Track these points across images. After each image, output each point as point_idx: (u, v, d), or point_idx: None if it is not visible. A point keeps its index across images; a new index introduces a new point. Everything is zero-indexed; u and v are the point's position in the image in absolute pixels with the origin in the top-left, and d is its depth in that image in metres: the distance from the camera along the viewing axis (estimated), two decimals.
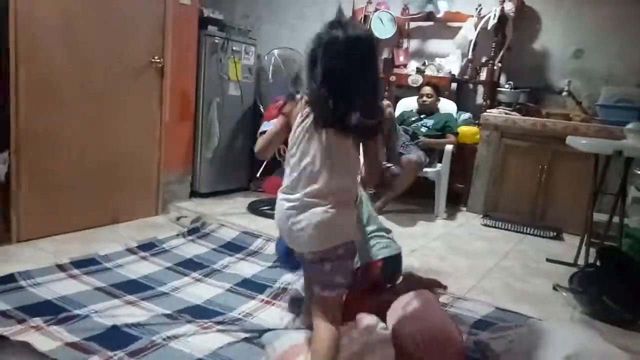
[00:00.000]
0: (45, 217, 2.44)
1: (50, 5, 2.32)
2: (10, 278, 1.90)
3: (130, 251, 2.31)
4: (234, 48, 3.52)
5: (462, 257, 2.66)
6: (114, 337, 1.57)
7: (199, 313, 1.80)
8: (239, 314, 1.84)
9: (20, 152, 2.29)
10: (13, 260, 2.12)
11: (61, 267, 2.05)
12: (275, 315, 1.85)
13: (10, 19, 2.16)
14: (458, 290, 2.17)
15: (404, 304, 1.70)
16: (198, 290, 2.01)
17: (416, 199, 3.63)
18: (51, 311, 1.69)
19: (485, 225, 3.35)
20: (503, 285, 2.30)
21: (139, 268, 2.16)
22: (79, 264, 2.10)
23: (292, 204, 1.34)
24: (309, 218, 1.30)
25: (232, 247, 2.51)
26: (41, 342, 1.50)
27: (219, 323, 1.73)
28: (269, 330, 1.70)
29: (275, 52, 3.17)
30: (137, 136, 2.86)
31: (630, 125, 2.45)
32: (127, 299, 1.86)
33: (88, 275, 2.03)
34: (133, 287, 1.96)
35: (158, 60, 2.88)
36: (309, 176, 1.31)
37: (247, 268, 2.28)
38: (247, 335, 1.66)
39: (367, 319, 1.75)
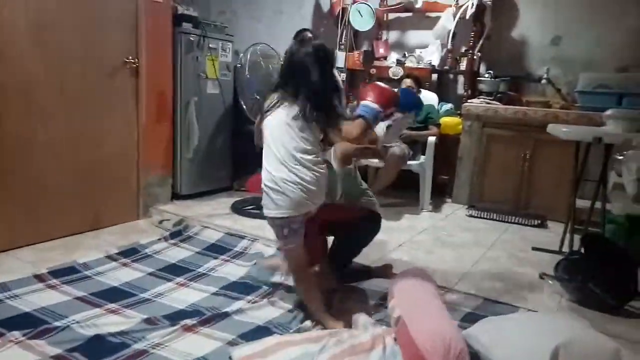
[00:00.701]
0: (24, 226, 2.36)
1: (19, 7, 2.24)
2: None
3: (111, 258, 2.25)
4: (210, 45, 3.44)
5: (449, 250, 2.66)
6: (98, 347, 1.53)
7: (184, 317, 1.75)
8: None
9: None
10: None
11: (39, 278, 1.98)
12: (265, 313, 1.83)
13: None
14: (446, 283, 2.16)
15: (414, 299, 1.69)
16: (182, 295, 1.97)
17: (401, 192, 3.62)
18: (30, 324, 1.63)
19: (471, 216, 3.36)
20: (490, 276, 2.30)
21: (120, 275, 2.10)
22: (58, 273, 2.04)
23: None
24: None
25: (216, 249, 2.46)
26: (22, 356, 1.46)
27: (204, 323, 1.70)
28: (259, 327, 1.71)
29: (257, 47, 3.14)
30: (115, 139, 2.78)
31: (608, 112, 2.47)
32: (109, 307, 1.81)
33: (67, 284, 1.96)
34: (114, 295, 1.91)
35: (132, 60, 2.80)
36: None
37: (234, 270, 2.24)
38: (233, 337, 1.63)
39: (362, 318, 1.75)
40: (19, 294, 1.84)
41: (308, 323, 1.77)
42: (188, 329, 1.67)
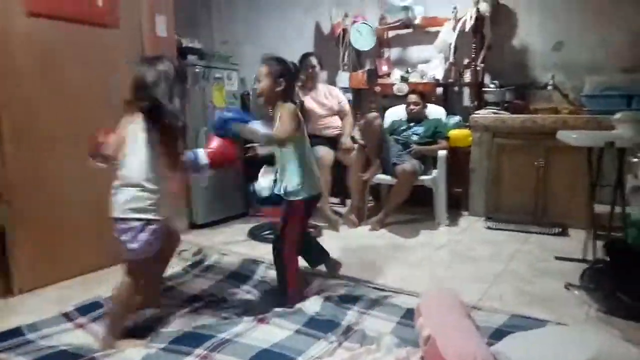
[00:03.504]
0: (46, 265, 2.39)
1: (30, 51, 2.30)
2: (18, 331, 1.85)
3: None
4: (216, 75, 3.50)
5: (469, 264, 2.64)
6: None
7: (203, 341, 1.77)
8: (230, 335, 1.82)
9: (12, 202, 2.25)
10: (17, 312, 2.08)
11: (67, 316, 2.00)
12: (268, 333, 1.83)
13: None
14: (469, 299, 2.13)
15: (443, 318, 1.67)
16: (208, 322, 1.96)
17: (415, 208, 3.61)
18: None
19: (489, 228, 3.33)
20: (514, 290, 2.27)
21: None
22: (84, 310, 2.05)
23: None
24: None
25: (237, 277, 2.46)
26: None
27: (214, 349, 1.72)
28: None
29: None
30: None
31: (617, 116, 2.43)
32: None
33: (94, 322, 1.97)
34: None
35: None
36: None
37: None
38: None
39: (385, 338, 1.74)
40: (50, 334, 1.86)
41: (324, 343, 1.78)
42: (203, 357, 1.68)
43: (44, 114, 2.38)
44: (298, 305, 2.06)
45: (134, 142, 1.75)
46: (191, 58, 3.38)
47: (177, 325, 1.92)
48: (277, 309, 2.04)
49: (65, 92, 2.47)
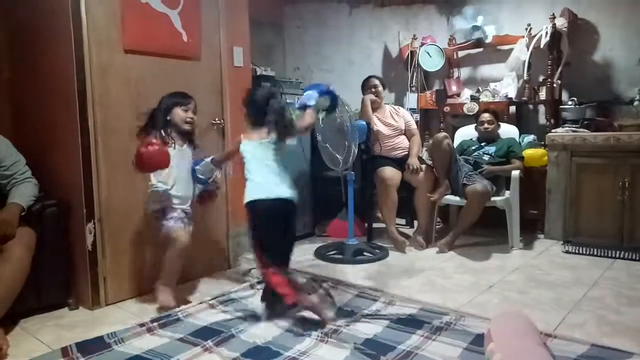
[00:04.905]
0: (129, 280, 2.58)
1: (123, 85, 2.54)
2: (100, 340, 2.02)
3: (210, 305, 2.38)
4: (287, 100, 3.65)
5: (545, 290, 2.49)
6: None
7: (265, 353, 1.85)
8: (295, 352, 1.86)
9: (103, 222, 2.47)
10: (103, 322, 2.26)
11: (142, 326, 2.14)
12: (329, 352, 1.84)
13: (89, 100, 2.38)
14: (545, 326, 2.01)
15: (515, 344, 1.61)
16: (261, 333, 2.02)
17: (487, 230, 3.48)
18: None
19: (567, 252, 3.12)
20: (596, 318, 2.11)
21: (216, 318, 2.22)
22: (158, 320, 2.18)
23: None
24: None
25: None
26: None
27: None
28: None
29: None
30: None
31: None
32: (206, 345, 1.93)
33: (165, 329, 2.10)
34: (208, 334, 2.03)
35: (219, 122, 3.04)
36: None
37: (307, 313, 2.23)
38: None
39: None
40: (127, 341, 2.00)
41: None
42: None
43: (135, 142, 2.61)
44: (356, 326, 2.07)
45: None
46: (265, 85, 3.56)
47: (247, 336, 2.00)
48: (333, 325, 2.07)
49: None
